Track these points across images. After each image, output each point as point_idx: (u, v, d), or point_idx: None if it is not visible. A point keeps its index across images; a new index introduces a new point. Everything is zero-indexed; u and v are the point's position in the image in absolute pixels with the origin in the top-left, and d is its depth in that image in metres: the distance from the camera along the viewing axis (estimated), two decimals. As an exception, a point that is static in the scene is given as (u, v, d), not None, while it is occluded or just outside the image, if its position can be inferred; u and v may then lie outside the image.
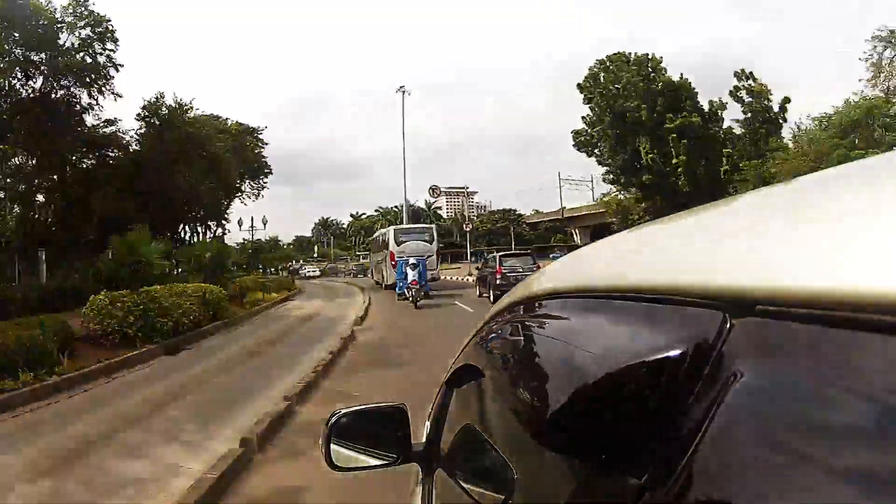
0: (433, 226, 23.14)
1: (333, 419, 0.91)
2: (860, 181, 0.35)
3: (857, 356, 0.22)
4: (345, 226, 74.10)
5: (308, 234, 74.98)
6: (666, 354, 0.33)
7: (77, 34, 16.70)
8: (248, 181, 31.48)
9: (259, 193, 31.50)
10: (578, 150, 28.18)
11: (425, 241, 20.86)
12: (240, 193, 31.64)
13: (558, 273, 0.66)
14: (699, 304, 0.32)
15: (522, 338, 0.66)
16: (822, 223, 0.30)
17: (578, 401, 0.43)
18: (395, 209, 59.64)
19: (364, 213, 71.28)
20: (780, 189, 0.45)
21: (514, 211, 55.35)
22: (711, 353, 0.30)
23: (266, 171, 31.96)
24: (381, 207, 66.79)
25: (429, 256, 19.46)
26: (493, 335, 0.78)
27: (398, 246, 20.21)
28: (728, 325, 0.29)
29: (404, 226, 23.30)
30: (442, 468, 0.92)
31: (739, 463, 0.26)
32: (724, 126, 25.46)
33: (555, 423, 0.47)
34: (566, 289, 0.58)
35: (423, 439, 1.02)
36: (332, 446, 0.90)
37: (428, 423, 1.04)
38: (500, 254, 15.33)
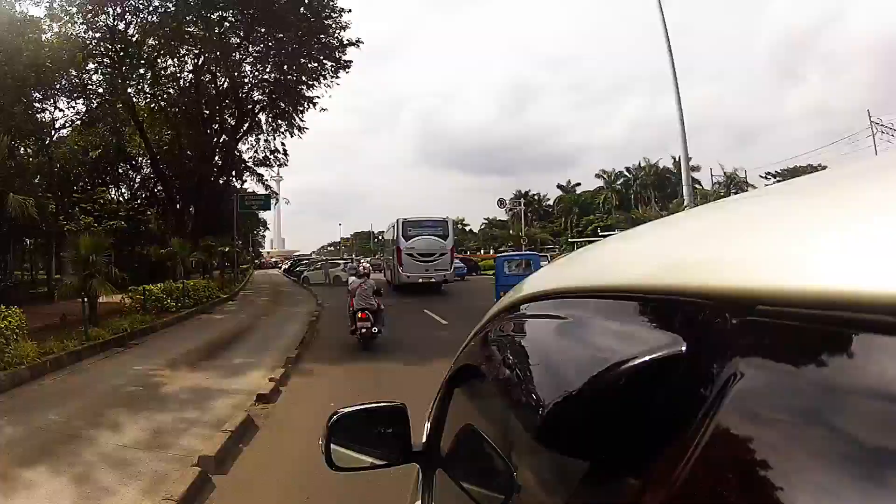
0: (448, 218, 19.10)
1: (333, 419, 0.92)
2: (860, 181, 0.35)
3: (857, 356, 0.22)
4: (550, 202, 51.84)
5: (505, 216, 54.32)
6: (666, 354, 0.33)
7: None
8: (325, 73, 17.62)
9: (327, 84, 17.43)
10: None
11: (438, 236, 17.65)
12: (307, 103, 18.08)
13: (558, 273, 0.66)
14: (699, 304, 0.32)
15: (523, 338, 0.66)
16: (822, 223, 0.30)
17: (578, 401, 0.43)
18: (625, 173, 44.39)
19: (577, 184, 49.51)
20: (781, 189, 0.44)
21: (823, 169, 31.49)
22: (711, 353, 0.30)
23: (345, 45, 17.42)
24: (604, 172, 46.16)
25: (442, 255, 17.29)
26: (494, 335, 0.77)
27: (406, 241, 17.34)
28: (728, 325, 0.29)
29: (414, 217, 18.49)
30: (442, 468, 0.91)
31: (739, 462, 0.26)
32: None
33: (555, 423, 0.46)
34: (566, 289, 0.57)
35: (423, 439, 1.02)
36: (332, 446, 0.91)
37: (428, 424, 1.03)
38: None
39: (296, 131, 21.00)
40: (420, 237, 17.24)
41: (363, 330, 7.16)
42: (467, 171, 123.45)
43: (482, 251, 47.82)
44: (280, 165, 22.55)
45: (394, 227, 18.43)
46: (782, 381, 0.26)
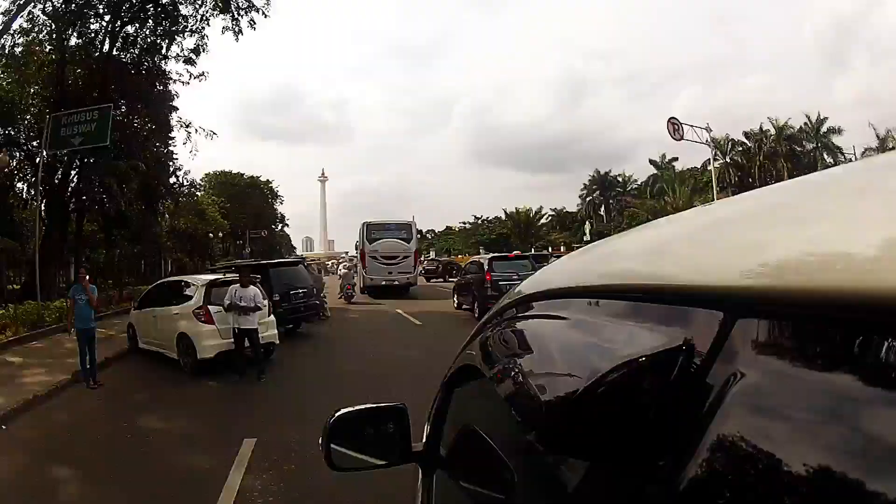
0: (412, 221, 18.76)
1: (333, 419, 0.93)
2: (861, 181, 0.35)
3: (857, 356, 0.22)
4: (639, 183, 41.01)
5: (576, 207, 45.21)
6: (666, 354, 0.33)
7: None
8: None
9: None
10: None
11: (402, 238, 17.41)
12: None
13: (558, 272, 0.66)
14: (699, 304, 0.32)
15: (522, 337, 0.66)
16: (823, 223, 0.30)
17: (578, 401, 0.43)
18: (744, 140, 31.74)
19: (675, 158, 37.02)
20: (781, 188, 0.45)
21: None
22: (711, 353, 0.30)
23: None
24: (714, 139, 34.12)
25: (405, 257, 17.19)
26: (493, 335, 0.77)
27: (370, 244, 17.19)
28: (728, 325, 0.29)
29: (378, 220, 18.42)
30: (442, 468, 0.92)
31: (739, 462, 0.26)
32: None
33: (555, 423, 0.46)
34: (566, 288, 0.57)
35: (423, 439, 1.01)
36: (332, 446, 0.91)
37: (428, 424, 1.03)
38: (491, 256, 12.34)
39: (244, 17, 12.08)
40: (383, 240, 17.17)
41: (348, 294, 15.00)
42: (521, 169, 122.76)
43: (550, 247, 42.08)
44: (198, 76, 14.02)
45: (360, 230, 18.24)
46: (782, 381, 0.26)
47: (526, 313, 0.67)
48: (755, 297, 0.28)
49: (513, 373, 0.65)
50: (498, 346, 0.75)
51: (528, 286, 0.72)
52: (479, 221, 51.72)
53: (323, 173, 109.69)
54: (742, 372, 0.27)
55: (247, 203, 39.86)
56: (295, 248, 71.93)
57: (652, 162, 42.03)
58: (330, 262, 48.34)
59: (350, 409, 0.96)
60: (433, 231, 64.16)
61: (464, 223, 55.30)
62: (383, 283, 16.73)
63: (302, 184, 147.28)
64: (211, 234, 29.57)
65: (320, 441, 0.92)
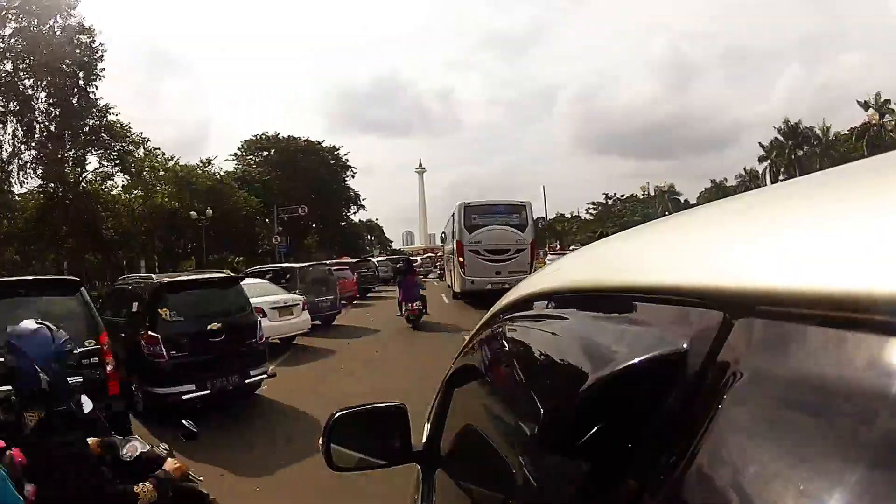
0: (527, 203, 13.41)
1: (333, 419, 0.92)
2: (861, 181, 0.35)
3: (857, 356, 0.22)
4: (843, 132, 30.17)
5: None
6: (666, 354, 0.33)
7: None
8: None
9: None
10: None
11: (513, 226, 12.69)
12: None
13: (559, 272, 0.66)
14: (699, 304, 0.32)
15: (522, 337, 0.66)
16: (823, 223, 0.30)
17: (578, 401, 0.43)
18: None
19: (887, 100, 27.42)
20: (781, 188, 0.44)
21: None
22: (711, 353, 0.30)
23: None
24: None
25: (519, 251, 12.31)
26: (493, 335, 0.77)
27: (470, 234, 12.54)
28: (728, 325, 0.29)
29: (480, 201, 13.42)
30: (442, 468, 0.91)
31: (739, 463, 0.26)
32: None
33: (554, 423, 0.47)
34: (566, 288, 0.58)
35: (423, 439, 1.01)
36: (333, 446, 0.91)
37: (428, 424, 1.03)
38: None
39: None
40: (488, 228, 12.44)
41: (411, 314, 9.65)
42: (627, 156, 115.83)
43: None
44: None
45: (455, 215, 13.33)
46: (782, 382, 0.26)
47: (525, 313, 0.67)
48: (755, 297, 0.28)
49: (513, 373, 0.64)
50: (498, 346, 0.73)
51: (527, 286, 0.71)
52: (610, 202, 45.07)
53: (420, 164, 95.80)
54: (741, 372, 0.27)
55: (298, 172, 28.48)
56: (391, 241, 61.19)
57: (864, 104, 30.68)
58: (420, 259, 34.31)
59: (350, 408, 0.95)
60: (562, 215, 54.82)
61: (592, 205, 49.20)
62: (489, 286, 11.44)
63: (403, 177, 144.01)
64: (194, 216, 17.80)
65: (320, 441, 0.92)
